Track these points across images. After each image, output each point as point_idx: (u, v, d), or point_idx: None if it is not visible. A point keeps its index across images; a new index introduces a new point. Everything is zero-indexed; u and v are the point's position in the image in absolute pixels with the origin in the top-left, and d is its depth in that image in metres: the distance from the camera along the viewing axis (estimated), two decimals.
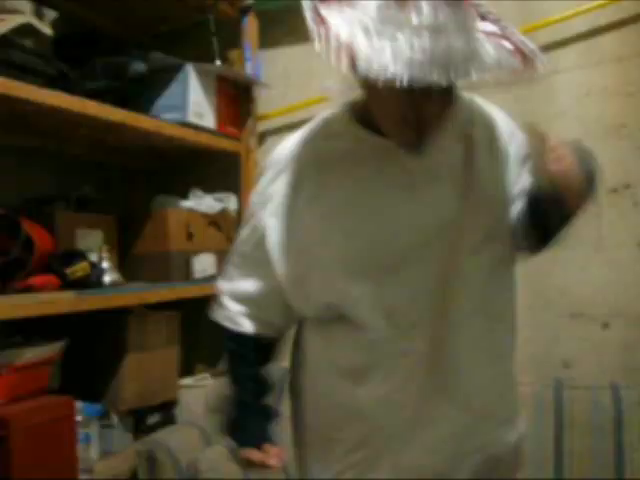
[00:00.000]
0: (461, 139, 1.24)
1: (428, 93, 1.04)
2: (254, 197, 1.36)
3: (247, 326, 1.35)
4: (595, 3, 2.32)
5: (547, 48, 2.44)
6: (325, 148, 1.27)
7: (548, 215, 1.21)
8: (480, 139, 1.25)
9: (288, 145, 1.32)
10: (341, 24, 1.02)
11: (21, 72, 1.69)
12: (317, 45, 1.00)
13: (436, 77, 0.96)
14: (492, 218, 1.25)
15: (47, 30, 1.79)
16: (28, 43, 1.74)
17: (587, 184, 1.14)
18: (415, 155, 1.18)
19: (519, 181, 1.27)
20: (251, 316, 1.35)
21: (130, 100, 2.18)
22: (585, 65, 2.42)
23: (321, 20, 1.03)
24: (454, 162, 1.23)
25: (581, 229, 2.31)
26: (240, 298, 1.36)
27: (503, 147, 1.27)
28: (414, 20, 0.98)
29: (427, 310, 1.21)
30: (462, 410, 1.25)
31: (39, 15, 2.23)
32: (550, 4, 2.40)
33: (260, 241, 1.30)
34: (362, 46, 0.98)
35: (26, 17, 1.73)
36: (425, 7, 0.98)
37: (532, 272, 2.40)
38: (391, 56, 0.96)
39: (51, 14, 2.41)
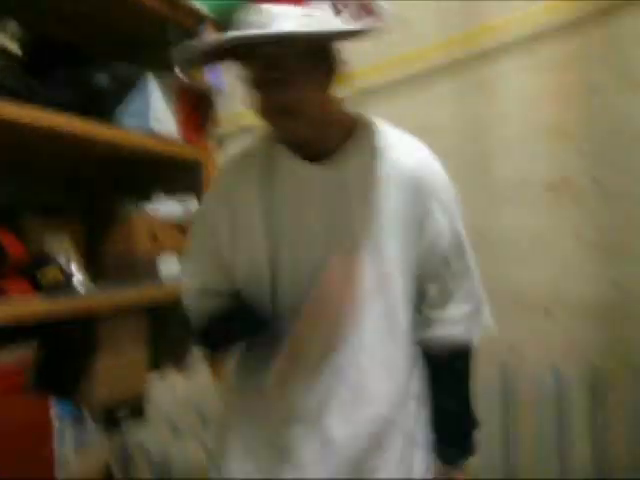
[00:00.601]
0: (368, 164, 1.41)
1: (265, 82, 1.30)
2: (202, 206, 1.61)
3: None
4: (535, 6, 2.49)
5: (491, 53, 2.61)
6: (244, 164, 1.47)
7: None
8: (388, 176, 1.42)
9: (227, 162, 1.54)
10: None
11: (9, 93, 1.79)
12: None
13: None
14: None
15: (16, 49, 1.88)
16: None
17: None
18: (315, 166, 1.39)
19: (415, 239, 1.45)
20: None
21: (94, 110, 2.27)
22: (525, 70, 2.59)
23: None
24: (357, 180, 1.40)
25: (523, 223, 2.52)
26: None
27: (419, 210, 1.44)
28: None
29: None
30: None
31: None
32: (493, 10, 2.56)
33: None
34: None
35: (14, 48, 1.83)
36: None
37: (480, 267, 2.59)
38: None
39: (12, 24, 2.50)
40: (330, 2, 1.29)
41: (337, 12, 1.28)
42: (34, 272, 2.01)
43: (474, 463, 2.27)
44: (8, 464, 1.83)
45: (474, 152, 2.65)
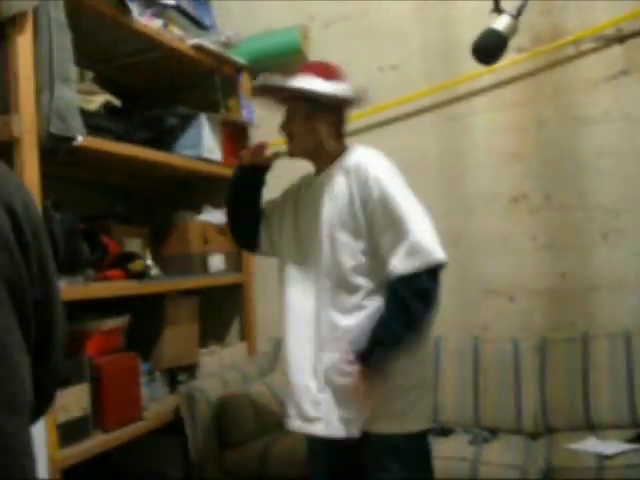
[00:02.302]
0: (344, 176, 2.07)
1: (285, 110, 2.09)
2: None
3: None
4: (498, 64, 3.17)
5: (466, 96, 3.31)
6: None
7: None
8: (354, 180, 2.03)
9: None
10: None
11: (103, 132, 2.51)
12: None
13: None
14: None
15: (117, 103, 2.61)
16: (104, 111, 2.56)
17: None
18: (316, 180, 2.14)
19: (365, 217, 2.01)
20: None
21: (163, 142, 3.01)
22: (492, 109, 3.28)
23: None
24: (330, 185, 2.08)
25: (491, 228, 3.16)
26: None
27: (362, 193, 2.01)
28: None
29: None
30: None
31: (81, 76, 3.02)
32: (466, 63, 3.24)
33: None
34: None
35: (106, 96, 2.55)
36: None
37: (456, 261, 3.28)
38: None
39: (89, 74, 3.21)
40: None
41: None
42: (125, 264, 2.72)
43: (450, 409, 2.95)
44: (110, 404, 2.55)
45: (453, 172, 3.33)
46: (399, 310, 1.93)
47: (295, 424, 2.09)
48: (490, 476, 2.47)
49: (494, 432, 2.83)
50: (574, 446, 2.56)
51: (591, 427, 2.78)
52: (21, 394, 1.20)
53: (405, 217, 1.94)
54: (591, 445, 2.55)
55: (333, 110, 2.08)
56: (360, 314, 1.99)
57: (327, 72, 2.07)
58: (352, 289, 2.01)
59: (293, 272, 2.15)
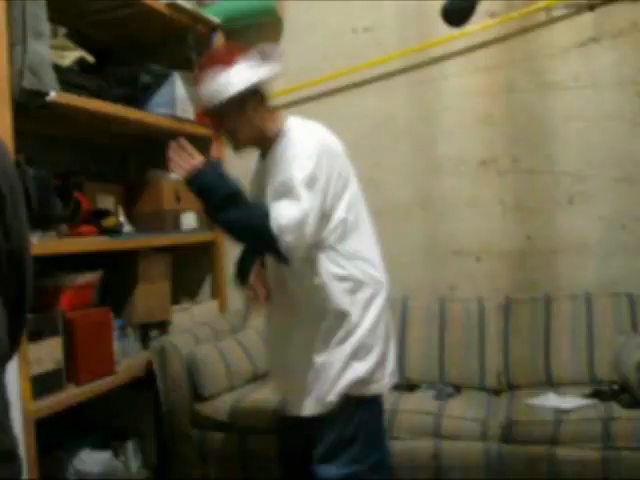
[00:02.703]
0: (277, 151, 2.10)
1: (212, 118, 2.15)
2: None
3: None
4: (470, 28, 3.20)
5: (438, 60, 3.35)
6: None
7: None
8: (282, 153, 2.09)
9: None
10: None
11: (76, 88, 2.52)
12: None
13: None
14: None
15: (90, 59, 2.61)
16: (77, 67, 2.56)
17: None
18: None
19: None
20: None
21: (138, 100, 3.01)
22: (463, 73, 3.33)
23: None
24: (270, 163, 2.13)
25: (461, 191, 3.23)
26: None
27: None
28: None
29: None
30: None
31: (54, 32, 3.00)
32: (439, 27, 3.27)
33: None
34: None
35: (79, 52, 2.54)
36: None
37: (425, 222, 3.35)
38: None
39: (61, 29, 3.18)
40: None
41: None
42: (98, 221, 2.74)
43: (416, 365, 3.04)
44: (83, 357, 2.59)
45: (424, 135, 3.38)
46: (251, 212, 2.03)
47: None
48: (452, 429, 2.57)
49: (458, 388, 2.93)
50: (534, 401, 2.66)
51: (551, 384, 2.89)
52: None
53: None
54: (550, 400, 2.65)
55: (255, 92, 2.09)
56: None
57: (232, 58, 2.06)
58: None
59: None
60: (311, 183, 1.98)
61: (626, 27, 3.14)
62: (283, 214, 1.93)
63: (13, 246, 1.30)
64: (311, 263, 2.05)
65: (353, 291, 2.07)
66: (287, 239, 1.92)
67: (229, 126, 2.12)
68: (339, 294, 2.05)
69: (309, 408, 2.09)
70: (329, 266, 2.05)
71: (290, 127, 2.11)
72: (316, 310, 2.08)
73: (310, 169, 1.98)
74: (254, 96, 2.09)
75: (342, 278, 2.06)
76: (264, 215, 1.95)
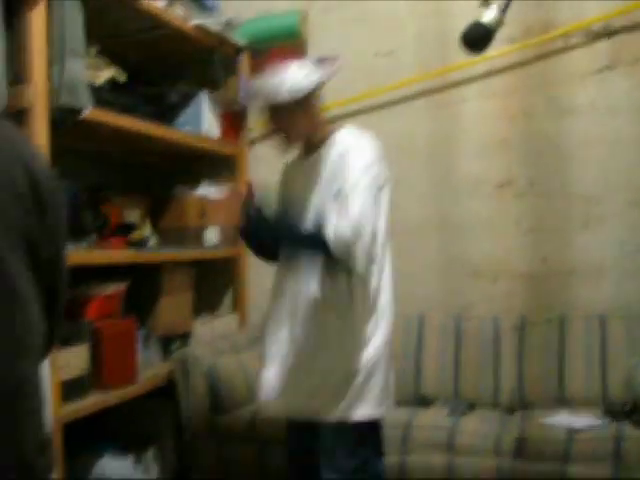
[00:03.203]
0: (329, 154, 2.18)
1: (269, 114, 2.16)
2: None
3: None
4: (489, 54, 3.27)
5: (457, 84, 3.44)
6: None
7: None
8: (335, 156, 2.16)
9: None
10: None
11: (108, 105, 2.62)
12: None
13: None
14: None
15: (122, 78, 2.71)
16: (109, 86, 2.67)
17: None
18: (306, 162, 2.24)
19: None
20: None
21: (166, 118, 3.12)
22: (481, 97, 3.41)
23: None
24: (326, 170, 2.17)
25: (478, 212, 3.30)
26: None
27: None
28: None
29: None
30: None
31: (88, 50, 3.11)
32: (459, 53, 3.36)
33: None
34: None
35: (112, 71, 2.66)
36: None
37: (443, 243, 3.42)
38: None
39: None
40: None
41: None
42: (126, 234, 2.84)
43: (432, 382, 3.09)
44: (108, 365, 2.68)
45: (443, 157, 3.46)
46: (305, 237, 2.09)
47: None
48: (466, 444, 2.62)
49: (472, 405, 2.98)
50: (546, 419, 2.71)
51: (565, 403, 2.93)
52: (29, 337, 1.32)
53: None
54: (563, 419, 2.69)
55: (315, 93, 2.19)
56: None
57: (295, 58, 2.15)
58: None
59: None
60: (378, 190, 2.09)
61: None
62: (350, 222, 1.97)
63: (50, 251, 1.38)
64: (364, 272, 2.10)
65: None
66: (353, 246, 1.98)
67: (287, 123, 2.18)
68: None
69: (339, 413, 2.10)
70: (373, 277, 2.12)
71: (349, 133, 2.20)
72: (359, 317, 2.12)
73: (378, 176, 2.11)
74: (314, 96, 2.18)
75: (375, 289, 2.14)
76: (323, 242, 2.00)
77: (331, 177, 2.12)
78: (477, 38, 2.01)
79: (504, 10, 1.98)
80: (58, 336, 1.51)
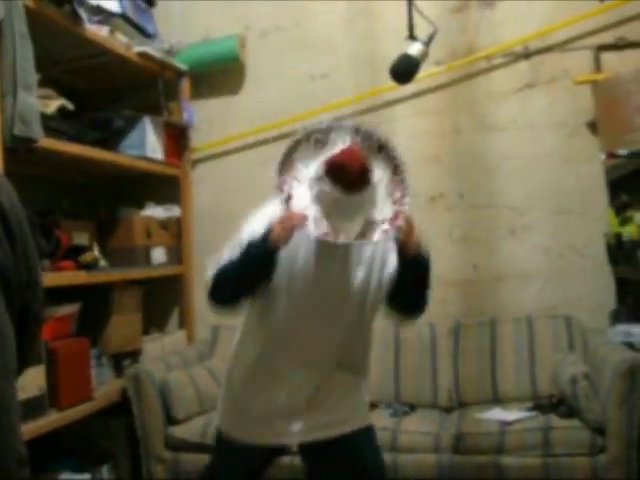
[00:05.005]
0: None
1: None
2: None
3: None
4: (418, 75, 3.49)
5: (390, 104, 3.64)
6: None
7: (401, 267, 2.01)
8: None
9: None
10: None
11: (58, 133, 2.73)
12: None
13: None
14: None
15: (70, 106, 2.82)
16: (59, 114, 2.78)
17: (420, 256, 2.04)
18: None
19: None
20: None
21: (110, 143, 3.23)
22: (412, 116, 3.62)
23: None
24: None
25: None
26: None
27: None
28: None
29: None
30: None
31: None
32: None
33: None
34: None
35: (61, 100, 2.76)
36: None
37: None
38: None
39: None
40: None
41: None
42: (76, 256, 2.94)
43: (374, 386, 3.26)
44: (64, 384, 2.77)
45: None
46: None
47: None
48: (407, 443, 2.80)
49: (413, 407, 3.16)
50: (481, 415, 2.91)
51: (498, 400, 3.14)
52: (11, 362, 1.44)
53: None
54: (495, 414, 2.91)
55: None
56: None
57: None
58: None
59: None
60: None
61: (558, 74, 3.47)
62: None
63: (22, 277, 1.49)
64: None
65: None
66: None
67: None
68: None
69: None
70: None
71: None
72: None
73: None
74: None
75: None
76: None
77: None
78: (405, 70, 2.20)
79: (428, 43, 2.18)
80: (33, 355, 1.62)
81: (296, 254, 1.94)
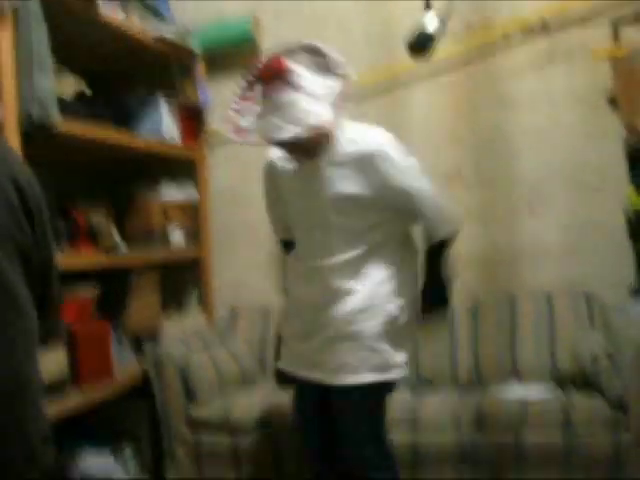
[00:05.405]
0: (344, 156, 2.24)
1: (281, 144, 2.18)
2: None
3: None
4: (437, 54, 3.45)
5: (406, 82, 3.60)
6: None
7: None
8: (355, 155, 2.22)
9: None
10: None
11: (75, 117, 2.73)
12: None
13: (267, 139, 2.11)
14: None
15: (88, 91, 2.82)
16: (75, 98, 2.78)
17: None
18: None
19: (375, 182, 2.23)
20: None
21: (126, 124, 3.23)
22: (430, 93, 3.57)
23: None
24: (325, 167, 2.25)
25: None
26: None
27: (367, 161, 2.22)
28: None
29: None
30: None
31: None
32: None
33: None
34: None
35: (78, 84, 2.77)
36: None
37: None
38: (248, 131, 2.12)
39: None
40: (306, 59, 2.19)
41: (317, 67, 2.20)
42: (93, 239, 2.95)
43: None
44: (85, 366, 2.79)
45: None
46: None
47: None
48: (428, 419, 2.80)
49: (432, 383, 3.16)
50: (501, 393, 2.91)
51: (517, 376, 3.13)
52: (30, 339, 1.46)
53: (425, 193, 2.36)
54: (516, 392, 2.90)
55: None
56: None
57: (298, 82, 2.08)
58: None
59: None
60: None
61: (577, 49, 3.43)
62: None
63: (41, 255, 1.51)
64: None
65: None
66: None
67: (309, 144, 2.15)
68: None
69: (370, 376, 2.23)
70: None
71: (360, 130, 2.30)
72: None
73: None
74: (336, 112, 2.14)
75: None
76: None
77: (358, 172, 2.20)
78: (421, 46, 2.17)
79: (444, 21, 2.15)
80: (54, 336, 1.64)
81: (286, 189, 2.33)
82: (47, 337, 1.60)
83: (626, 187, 3.23)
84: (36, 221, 1.50)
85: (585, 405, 2.71)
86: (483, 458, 2.72)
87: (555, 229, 3.44)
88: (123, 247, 3.15)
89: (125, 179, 3.70)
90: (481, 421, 2.75)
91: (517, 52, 3.49)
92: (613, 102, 3.33)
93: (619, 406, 2.64)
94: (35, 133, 2.39)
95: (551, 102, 3.45)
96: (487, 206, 3.53)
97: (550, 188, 3.45)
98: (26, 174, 1.52)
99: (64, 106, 2.61)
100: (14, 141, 2.33)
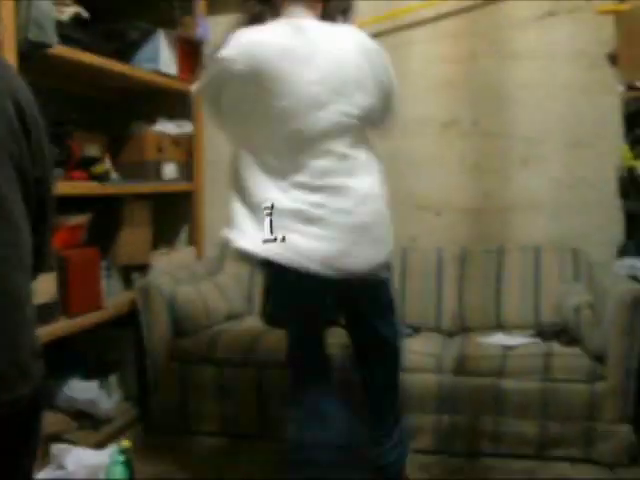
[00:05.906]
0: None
1: None
2: None
3: None
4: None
5: (408, 26, 3.58)
6: None
7: None
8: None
9: None
10: None
11: (73, 42, 2.69)
12: None
13: None
14: None
15: (85, 14, 2.78)
16: (73, 22, 2.74)
17: None
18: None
19: None
20: None
21: (125, 55, 3.19)
22: (430, 40, 3.56)
23: None
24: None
25: (424, 150, 3.47)
26: None
27: None
28: None
29: None
30: None
31: None
32: None
33: None
34: None
35: (76, 7, 2.72)
36: None
37: (390, 178, 3.59)
38: None
39: None
40: None
41: None
42: (88, 168, 2.94)
43: None
44: (75, 292, 2.81)
45: None
46: None
47: None
48: (411, 363, 2.84)
49: (417, 330, 3.21)
50: (484, 340, 2.96)
51: (501, 327, 3.19)
52: (26, 258, 1.47)
53: None
54: (498, 339, 2.95)
55: None
56: None
57: None
58: None
59: None
60: None
61: (581, 3, 3.40)
62: None
63: (38, 173, 1.51)
64: None
65: None
66: None
67: None
68: None
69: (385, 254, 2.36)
70: None
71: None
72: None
73: None
74: None
75: None
76: None
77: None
78: None
79: None
80: (47, 258, 1.65)
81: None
82: (39, 263, 1.61)
83: (620, 145, 3.25)
84: (33, 137, 1.49)
85: (565, 354, 2.77)
86: (463, 401, 2.78)
87: (547, 184, 3.46)
88: (115, 176, 3.14)
89: (121, 111, 3.68)
90: (462, 364, 2.81)
91: (520, 3, 3.45)
92: (613, 58, 3.33)
93: (598, 357, 2.70)
94: (31, 53, 2.37)
95: (551, 55, 3.44)
96: (481, 156, 3.54)
97: (545, 142, 3.45)
98: (24, 90, 1.51)
99: (61, 30, 2.57)
100: (11, 61, 2.30)
